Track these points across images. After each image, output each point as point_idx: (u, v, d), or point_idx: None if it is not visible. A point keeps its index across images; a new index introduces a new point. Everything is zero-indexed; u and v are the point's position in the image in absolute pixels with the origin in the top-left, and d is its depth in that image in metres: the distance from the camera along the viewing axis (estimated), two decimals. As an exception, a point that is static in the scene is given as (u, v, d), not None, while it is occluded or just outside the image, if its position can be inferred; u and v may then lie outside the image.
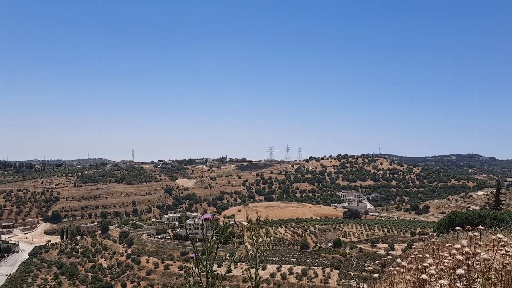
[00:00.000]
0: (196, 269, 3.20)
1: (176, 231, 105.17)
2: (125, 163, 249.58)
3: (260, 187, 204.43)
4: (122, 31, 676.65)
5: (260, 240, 3.50)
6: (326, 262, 79.07)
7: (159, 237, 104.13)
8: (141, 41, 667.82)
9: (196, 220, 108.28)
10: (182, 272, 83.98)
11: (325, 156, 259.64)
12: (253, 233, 3.46)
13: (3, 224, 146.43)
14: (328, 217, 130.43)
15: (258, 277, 3.40)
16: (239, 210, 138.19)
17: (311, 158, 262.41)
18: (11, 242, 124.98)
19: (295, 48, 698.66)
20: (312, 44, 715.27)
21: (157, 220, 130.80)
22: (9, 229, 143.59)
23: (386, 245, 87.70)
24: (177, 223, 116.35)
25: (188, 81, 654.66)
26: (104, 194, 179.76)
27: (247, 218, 3.69)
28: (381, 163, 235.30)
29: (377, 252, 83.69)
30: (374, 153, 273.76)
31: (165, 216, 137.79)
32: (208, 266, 3.02)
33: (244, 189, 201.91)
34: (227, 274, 3.07)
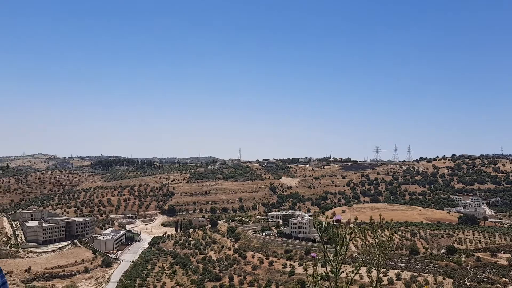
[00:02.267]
0: (321, 269, 3.21)
1: (280, 229, 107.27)
2: (233, 161, 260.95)
3: (365, 188, 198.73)
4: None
5: (373, 242, 3.37)
6: (438, 269, 74.42)
7: (264, 234, 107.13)
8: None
9: (300, 219, 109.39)
10: (286, 269, 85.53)
11: (437, 157, 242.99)
12: (375, 236, 3.31)
13: (127, 215, 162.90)
14: (440, 221, 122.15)
15: (379, 282, 3.39)
16: (343, 211, 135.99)
17: (421, 158, 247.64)
18: (134, 232, 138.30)
19: (410, 44, 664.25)
20: (427, 40, 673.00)
21: (262, 217, 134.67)
22: (133, 220, 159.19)
23: (509, 255, 79.63)
24: (281, 221, 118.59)
25: (291, 82, 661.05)
26: (214, 190, 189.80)
27: (356, 219, 3.62)
28: (503, 165, 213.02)
29: (498, 262, 76.43)
30: (495, 154, 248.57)
31: (270, 213, 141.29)
32: (338, 267, 3.02)
33: (348, 189, 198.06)
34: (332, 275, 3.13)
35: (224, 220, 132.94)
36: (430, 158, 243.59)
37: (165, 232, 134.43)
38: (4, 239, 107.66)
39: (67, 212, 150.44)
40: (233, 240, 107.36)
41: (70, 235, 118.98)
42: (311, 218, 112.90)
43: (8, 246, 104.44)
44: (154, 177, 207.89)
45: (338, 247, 2.98)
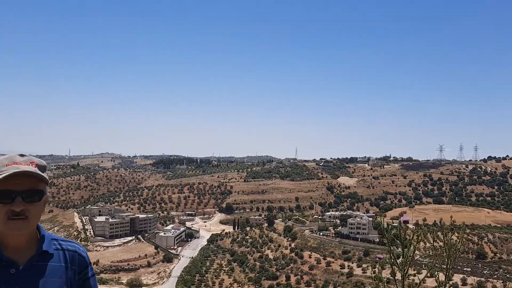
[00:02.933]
0: (386, 271, 3.06)
1: (338, 229, 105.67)
2: (289, 160, 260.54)
3: (427, 189, 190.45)
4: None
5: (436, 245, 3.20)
6: (508, 275, 69.88)
7: (321, 234, 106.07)
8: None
9: (358, 219, 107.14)
10: (344, 270, 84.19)
11: (507, 156, 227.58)
12: (445, 238, 3.12)
13: (187, 212, 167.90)
14: (511, 225, 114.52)
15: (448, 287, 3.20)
16: (404, 212, 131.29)
17: (490, 158, 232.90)
18: (193, 229, 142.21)
19: (481, 38, 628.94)
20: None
21: (319, 217, 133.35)
22: (192, 217, 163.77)
23: None
24: (338, 221, 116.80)
25: (348, 79, 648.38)
26: (270, 189, 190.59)
27: (424, 220, 3.27)
28: None
29: None
30: None
31: (327, 213, 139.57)
32: (405, 270, 2.89)
33: (409, 190, 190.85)
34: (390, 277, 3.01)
35: (280, 219, 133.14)
36: (499, 157, 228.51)
37: (223, 230, 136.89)
38: (75, 233, 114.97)
39: (131, 209, 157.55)
40: (289, 239, 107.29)
41: (134, 231, 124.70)
42: (370, 218, 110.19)
43: (79, 239, 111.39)
44: (212, 176, 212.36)
45: (406, 249, 2.89)
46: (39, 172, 1.93)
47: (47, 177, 1.95)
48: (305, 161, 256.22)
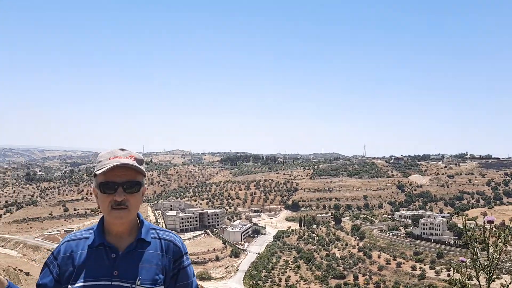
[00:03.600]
0: (471, 274, 2.88)
1: (409, 229, 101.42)
2: (357, 158, 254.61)
3: (509, 188, 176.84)
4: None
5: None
6: None
7: (391, 233, 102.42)
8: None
9: (431, 219, 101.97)
10: (416, 272, 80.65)
11: None
12: None
13: (254, 208, 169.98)
14: None
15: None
16: (484, 213, 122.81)
17: None
18: (259, 225, 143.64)
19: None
20: None
21: (389, 216, 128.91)
22: (258, 214, 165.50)
23: None
24: (409, 221, 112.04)
25: (419, 72, 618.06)
26: (337, 187, 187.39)
27: (511, 220, 3.00)
28: None
29: None
30: None
31: (397, 212, 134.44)
32: (491, 273, 2.70)
33: (488, 189, 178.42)
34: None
35: (348, 218, 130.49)
36: None
37: (289, 227, 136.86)
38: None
39: (200, 204, 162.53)
40: (357, 238, 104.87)
41: (203, 225, 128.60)
42: (444, 219, 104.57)
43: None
44: (278, 173, 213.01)
45: (491, 251, 2.73)
46: (137, 165, 2.08)
47: (144, 170, 2.10)
48: (374, 158, 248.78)
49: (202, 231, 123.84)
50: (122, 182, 2.04)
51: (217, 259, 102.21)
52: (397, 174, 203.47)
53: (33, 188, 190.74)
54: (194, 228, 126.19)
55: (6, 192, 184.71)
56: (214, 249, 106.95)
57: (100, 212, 2.16)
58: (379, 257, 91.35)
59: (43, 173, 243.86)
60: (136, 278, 2.03)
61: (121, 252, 2.09)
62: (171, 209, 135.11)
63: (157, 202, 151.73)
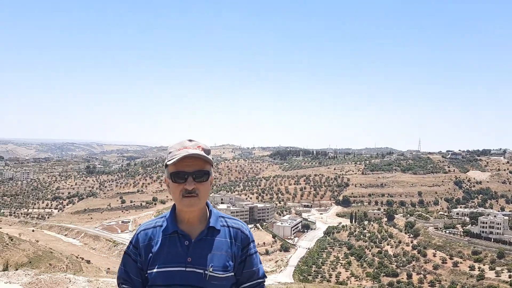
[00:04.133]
0: None
1: (467, 228, 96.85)
2: (411, 152, 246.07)
3: None
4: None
5: None
6: None
7: (447, 231, 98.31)
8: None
9: (491, 218, 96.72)
10: (474, 272, 77.05)
11: None
12: None
13: (304, 203, 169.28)
14: None
15: None
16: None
17: None
18: (309, 220, 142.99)
19: None
20: None
21: (445, 214, 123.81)
22: (308, 209, 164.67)
23: None
24: (467, 218, 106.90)
25: (478, 65, 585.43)
26: (390, 183, 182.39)
27: None
28: None
29: None
30: None
31: (454, 210, 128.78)
32: None
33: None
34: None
35: (401, 214, 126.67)
36: None
37: (340, 223, 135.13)
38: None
39: (250, 198, 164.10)
40: (411, 235, 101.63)
41: (253, 219, 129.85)
42: (506, 217, 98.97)
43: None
44: (328, 168, 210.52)
45: None
46: (205, 155, 2.15)
47: (212, 160, 2.21)
48: (430, 153, 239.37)
49: (252, 225, 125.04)
50: (191, 172, 2.13)
51: (267, 253, 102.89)
52: (454, 170, 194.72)
53: (93, 180, 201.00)
54: (244, 221, 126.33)
55: (69, 184, 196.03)
56: (264, 243, 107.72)
57: (171, 200, 2.25)
58: (434, 255, 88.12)
59: (102, 166, 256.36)
60: (208, 265, 2.11)
61: (193, 239, 2.17)
62: (221, 203, 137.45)
63: (208, 196, 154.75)
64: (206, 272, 2.10)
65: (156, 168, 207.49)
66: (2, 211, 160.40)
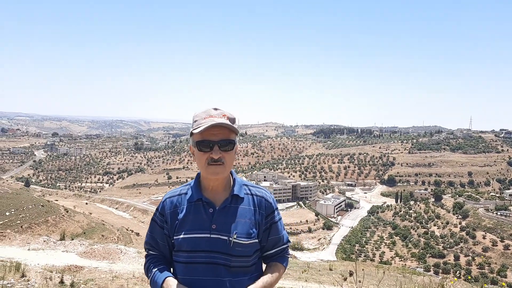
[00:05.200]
0: None
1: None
2: (462, 131, 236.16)
3: None
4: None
5: None
6: None
7: (499, 213, 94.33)
8: None
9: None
10: (527, 257, 73.88)
11: None
12: None
13: (347, 182, 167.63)
14: None
15: None
16: None
17: None
18: (353, 199, 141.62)
19: None
20: None
21: (497, 195, 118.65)
22: (352, 188, 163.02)
23: None
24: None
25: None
26: (438, 162, 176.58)
27: None
28: None
29: None
30: None
31: (507, 191, 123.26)
32: None
33: None
34: None
35: (449, 195, 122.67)
36: None
37: (384, 202, 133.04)
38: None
39: (293, 176, 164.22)
40: (459, 217, 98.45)
41: (295, 197, 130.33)
42: None
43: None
44: (373, 146, 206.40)
45: None
46: (231, 124, 2.13)
47: (237, 129, 2.17)
48: (481, 132, 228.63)
49: (295, 203, 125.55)
50: (217, 141, 2.11)
51: (310, 230, 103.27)
52: (508, 150, 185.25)
53: (140, 156, 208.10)
54: (287, 199, 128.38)
55: (118, 160, 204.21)
56: (307, 221, 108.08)
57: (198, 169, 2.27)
58: (484, 237, 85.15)
59: (149, 143, 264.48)
60: (232, 232, 2.13)
61: (218, 207, 2.18)
62: (264, 180, 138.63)
63: (251, 173, 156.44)
64: (230, 238, 2.12)
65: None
66: (58, 184, 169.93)
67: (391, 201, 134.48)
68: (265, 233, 2.28)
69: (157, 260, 2.26)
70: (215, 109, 2.17)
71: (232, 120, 2.18)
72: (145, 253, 2.35)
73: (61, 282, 10.62)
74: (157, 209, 2.31)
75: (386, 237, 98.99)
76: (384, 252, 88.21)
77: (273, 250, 2.33)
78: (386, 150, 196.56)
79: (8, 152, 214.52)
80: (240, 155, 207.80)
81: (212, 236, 2.12)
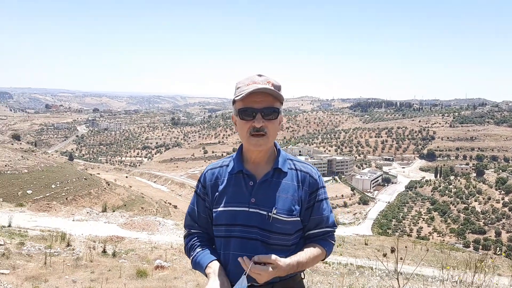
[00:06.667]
0: None
1: None
2: (507, 103, 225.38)
3: None
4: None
5: None
6: None
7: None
8: None
9: None
10: None
11: None
12: None
13: (385, 157, 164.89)
14: None
15: None
16: None
17: None
18: (390, 174, 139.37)
19: None
20: None
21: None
22: (389, 162, 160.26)
23: None
24: None
25: None
26: (481, 136, 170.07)
27: None
28: None
29: None
30: None
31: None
32: None
33: None
34: None
35: (492, 170, 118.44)
36: None
37: (423, 177, 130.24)
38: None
39: (329, 151, 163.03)
40: (502, 192, 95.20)
41: (331, 172, 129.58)
42: None
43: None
44: (413, 120, 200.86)
45: None
46: (276, 91, 1.98)
47: (282, 96, 2.03)
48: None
49: (331, 177, 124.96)
50: (260, 109, 1.97)
51: (345, 205, 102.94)
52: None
53: (177, 131, 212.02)
54: (322, 174, 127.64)
55: (156, 135, 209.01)
56: (342, 196, 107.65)
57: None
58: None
59: (185, 118, 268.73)
60: (272, 207, 1.99)
61: (258, 180, 2.05)
62: (299, 155, 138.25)
63: (286, 147, 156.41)
64: (269, 214, 1.98)
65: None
66: (99, 158, 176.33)
67: (430, 176, 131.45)
68: (307, 211, 2.10)
69: (201, 240, 2.14)
70: (259, 75, 2.03)
71: (278, 88, 2.03)
72: (185, 233, 2.23)
73: (104, 251, 11.12)
74: (199, 181, 2.21)
75: (424, 213, 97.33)
76: (422, 228, 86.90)
77: (315, 231, 2.14)
78: (426, 124, 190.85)
79: (52, 127, 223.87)
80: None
81: (250, 210, 2.00)
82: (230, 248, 2.00)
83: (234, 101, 2.03)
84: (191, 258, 2.11)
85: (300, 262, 1.97)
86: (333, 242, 2.20)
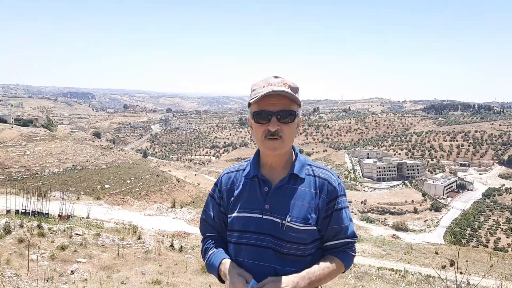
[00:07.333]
0: None
1: None
2: None
3: None
4: None
5: None
6: None
7: None
8: None
9: None
10: None
11: None
12: None
13: (460, 162, 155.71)
14: None
15: None
16: None
17: None
18: (466, 180, 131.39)
19: None
20: None
21: None
22: (465, 168, 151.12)
23: None
24: None
25: None
26: None
27: None
28: None
29: None
30: None
31: None
32: None
33: None
34: None
35: None
36: None
37: (503, 185, 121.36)
38: (345, 172, 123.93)
39: (399, 154, 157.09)
40: None
41: (401, 176, 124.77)
42: None
43: (348, 179, 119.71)
44: (492, 124, 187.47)
45: None
46: (292, 93, 1.86)
47: (299, 99, 1.91)
48: None
49: (400, 182, 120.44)
50: (276, 112, 1.85)
51: (415, 211, 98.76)
52: None
53: (244, 131, 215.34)
54: (392, 178, 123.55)
55: (224, 134, 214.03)
56: (412, 201, 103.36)
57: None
58: None
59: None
60: (287, 215, 1.86)
61: (273, 186, 1.93)
62: (368, 157, 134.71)
63: (354, 149, 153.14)
64: (283, 221, 1.85)
65: (303, 121, 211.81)
66: (171, 156, 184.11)
67: (510, 184, 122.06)
68: (325, 221, 1.93)
69: (215, 242, 2.03)
70: (276, 77, 1.90)
71: (295, 90, 1.89)
72: (201, 237, 2.14)
73: (171, 246, 11.70)
74: (215, 184, 2.12)
75: (503, 222, 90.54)
76: (500, 238, 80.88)
77: (334, 242, 1.97)
78: (508, 128, 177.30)
79: (129, 126, 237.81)
80: (343, 131, 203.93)
81: (264, 217, 1.88)
82: (242, 256, 1.89)
83: (249, 104, 1.95)
84: (205, 261, 2.02)
85: (313, 281, 1.80)
86: (353, 254, 2.01)
